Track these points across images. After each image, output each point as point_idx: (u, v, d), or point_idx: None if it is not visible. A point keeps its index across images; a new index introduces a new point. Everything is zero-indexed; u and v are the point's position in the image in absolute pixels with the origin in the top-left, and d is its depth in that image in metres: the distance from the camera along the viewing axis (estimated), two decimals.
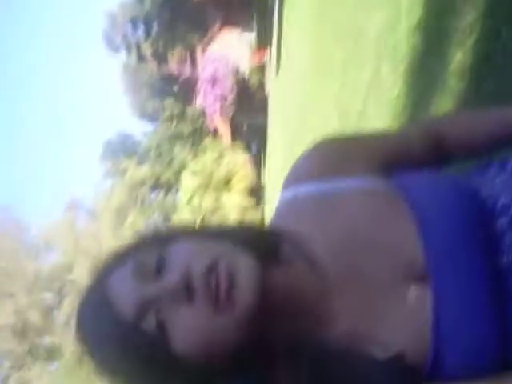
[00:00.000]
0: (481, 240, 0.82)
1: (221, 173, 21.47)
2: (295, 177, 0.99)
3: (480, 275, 0.80)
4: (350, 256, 0.86)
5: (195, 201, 21.16)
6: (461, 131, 1.09)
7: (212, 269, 0.77)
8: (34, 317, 26.81)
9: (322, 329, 0.83)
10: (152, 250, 0.84)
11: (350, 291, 0.84)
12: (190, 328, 0.76)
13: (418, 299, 0.81)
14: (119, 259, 0.86)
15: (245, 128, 25.63)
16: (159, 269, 0.80)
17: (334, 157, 0.98)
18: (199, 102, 23.65)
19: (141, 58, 29.81)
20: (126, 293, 0.80)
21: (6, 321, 25.50)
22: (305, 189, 0.95)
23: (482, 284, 0.79)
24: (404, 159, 1.01)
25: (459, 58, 3.23)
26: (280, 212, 0.99)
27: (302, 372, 0.81)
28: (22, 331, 26.05)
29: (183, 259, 0.80)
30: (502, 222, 0.84)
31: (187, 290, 0.76)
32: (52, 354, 25.96)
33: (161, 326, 0.77)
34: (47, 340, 27.29)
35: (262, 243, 0.90)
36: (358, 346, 0.80)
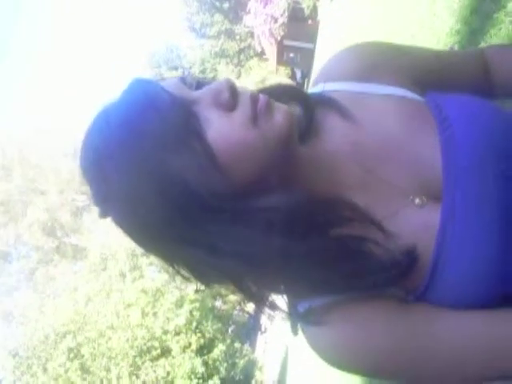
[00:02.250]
0: (504, 170, 0.80)
1: None
2: (324, 75, 0.97)
3: (495, 206, 0.78)
4: (370, 158, 0.85)
5: None
6: (506, 59, 1.03)
7: (259, 92, 0.80)
8: (64, 216, 27.48)
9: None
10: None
11: (363, 186, 0.84)
12: (224, 132, 0.75)
13: (426, 212, 0.81)
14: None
15: (292, 54, 25.12)
16: (200, 85, 0.81)
17: (369, 61, 0.94)
18: (249, 21, 23.18)
19: None
20: (169, 87, 0.79)
21: (36, 217, 26.18)
22: (332, 87, 0.94)
23: (494, 218, 0.78)
24: (447, 81, 0.97)
25: None
26: None
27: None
28: (51, 228, 26.79)
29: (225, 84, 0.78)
30: None
31: (232, 96, 0.76)
32: (77, 254, 26.70)
33: (193, 118, 0.76)
34: (74, 240, 28.04)
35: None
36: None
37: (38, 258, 26.98)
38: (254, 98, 0.77)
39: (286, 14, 20.80)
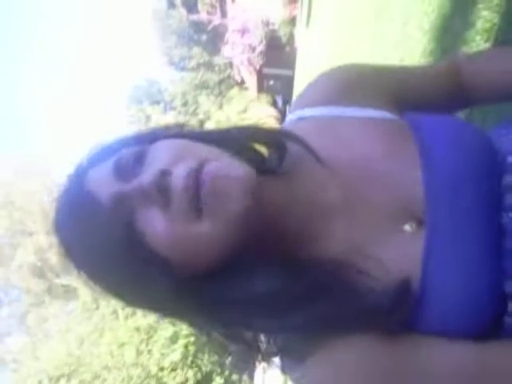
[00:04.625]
0: (485, 192, 0.78)
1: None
2: (301, 102, 0.95)
3: (478, 228, 0.76)
4: (351, 182, 0.83)
5: None
6: (476, 67, 1.02)
7: (195, 171, 0.70)
8: (53, 257, 27.28)
9: (316, 245, 0.80)
10: (135, 147, 0.78)
11: (346, 213, 0.81)
12: (162, 234, 0.70)
13: (412, 240, 0.78)
14: (100, 156, 0.81)
15: (271, 81, 25.32)
16: (137, 166, 0.74)
17: (345, 84, 0.93)
18: (227, 52, 23.38)
19: (171, 4, 29.39)
20: (102, 186, 0.74)
21: (25, 259, 25.98)
22: (310, 112, 0.91)
23: (478, 237, 0.76)
24: (425, 97, 0.97)
25: (485, 15, 3.21)
26: None
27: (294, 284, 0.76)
28: (40, 270, 26.57)
29: (161, 158, 0.73)
30: (506, 181, 0.80)
31: (161, 194, 0.70)
32: (69, 294, 26.50)
33: (131, 225, 0.72)
34: (65, 280, 27.86)
35: (268, 144, 0.87)
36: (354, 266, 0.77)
37: (29, 300, 26.70)
38: (186, 189, 0.69)
39: (264, 42, 21.00)
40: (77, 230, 0.75)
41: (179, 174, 0.70)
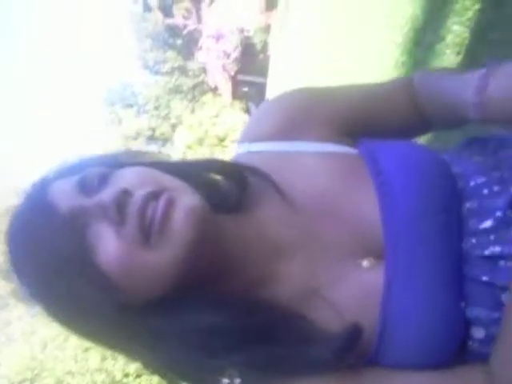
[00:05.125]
0: (443, 221, 0.77)
1: (217, 130, 21.40)
2: (248, 135, 0.93)
3: (436, 258, 0.76)
4: (305, 218, 0.82)
5: (189, 156, 21.13)
6: (429, 88, 0.94)
7: (154, 197, 0.71)
8: None
9: (269, 286, 0.79)
10: (99, 168, 0.78)
11: (303, 252, 0.80)
12: (111, 251, 0.70)
13: (372, 274, 0.78)
14: (67, 171, 0.81)
15: (245, 88, 25.39)
16: (102, 184, 0.75)
17: (290, 119, 0.90)
18: (201, 57, 23.38)
19: (147, 7, 29.27)
20: (63, 198, 0.75)
21: None
22: (257, 147, 0.90)
23: (436, 267, 0.76)
24: (378, 119, 0.94)
25: (456, 29, 3.25)
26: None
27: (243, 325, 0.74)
28: (7, 272, 26.09)
29: (126, 180, 0.74)
30: (469, 205, 0.79)
31: (118, 212, 0.70)
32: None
33: (82, 238, 0.72)
34: None
35: (230, 178, 0.85)
36: (306, 310, 0.77)
37: None
38: (141, 213, 0.70)
39: (239, 49, 21.05)
40: (28, 235, 0.75)
41: (138, 197, 0.71)
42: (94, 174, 0.76)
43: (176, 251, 0.70)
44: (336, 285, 0.77)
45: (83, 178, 0.77)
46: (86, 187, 0.75)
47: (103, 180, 0.76)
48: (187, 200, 0.72)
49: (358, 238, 0.79)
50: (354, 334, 0.72)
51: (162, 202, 0.70)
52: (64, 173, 0.81)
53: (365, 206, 0.80)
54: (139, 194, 0.71)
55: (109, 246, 0.70)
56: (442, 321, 0.73)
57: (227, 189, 0.85)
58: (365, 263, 0.78)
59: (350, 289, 0.77)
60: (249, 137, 0.92)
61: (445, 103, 0.88)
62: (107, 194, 0.72)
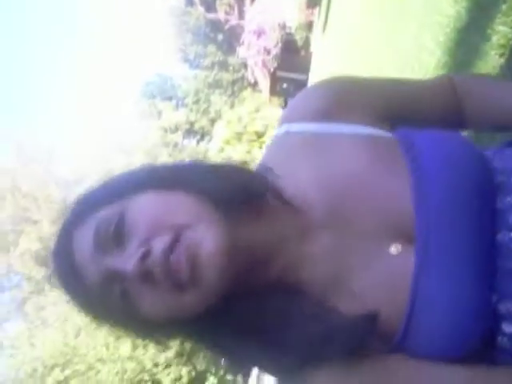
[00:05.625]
0: (478, 212, 0.77)
1: (255, 126, 21.41)
2: (289, 116, 0.94)
3: (469, 247, 0.75)
4: (337, 200, 0.82)
5: (227, 151, 21.20)
6: (468, 88, 0.99)
7: (173, 247, 0.75)
8: None
9: (294, 275, 0.82)
10: (112, 206, 0.81)
11: (331, 236, 0.81)
12: (154, 305, 0.77)
13: (400, 260, 0.77)
14: (79, 216, 0.84)
15: (284, 85, 25.34)
16: (119, 236, 0.78)
17: (334, 100, 0.91)
18: (242, 52, 23.42)
19: (189, 1, 29.48)
20: (89, 262, 0.80)
21: (28, 246, 26.03)
22: (297, 128, 0.91)
23: (469, 256, 0.75)
24: (417, 112, 0.95)
25: (502, 30, 3.18)
26: (270, 149, 0.94)
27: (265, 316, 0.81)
28: (43, 258, 26.58)
29: (141, 227, 0.77)
30: (510, 199, 0.78)
31: (147, 277, 0.75)
32: None
33: (125, 297, 0.78)
34: None
35: (248, 185, 0.85)
36: (329, 298, 0.79)
37: (30, 287, 26.78)
38: (166, 271, 0.75)
39: (280, 45, 21.01)
40: (75, 295, 0.84)
41: (158, 254, 0.75)
42: (106, 225, 0.79)
43: (209, 286, 0.75)
44: (365, 269, 0.78)
45: (97, 232, 0.80)
46: (102, 243, 0.79)
47: (117, 231, 0.79)
48: (209, 240, 0.75)
49: (388, 221, 0.79)
50: (370, 320, 0.74)
51: (183, 252, 0.74)
52: (79, 216, 0.84)
53: (398, 190, 0.80)
54: (157, 248, 0.75)
55: (149, 302, 0.77)
56: (468, 310, 0.72)
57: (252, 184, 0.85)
58: (392, 249, 0.78)
59: (379, 274, 0.78)
60: (289, 118, 0.93)
61: (489, 107, 0.93)
62: (128, 264, 0.75)
